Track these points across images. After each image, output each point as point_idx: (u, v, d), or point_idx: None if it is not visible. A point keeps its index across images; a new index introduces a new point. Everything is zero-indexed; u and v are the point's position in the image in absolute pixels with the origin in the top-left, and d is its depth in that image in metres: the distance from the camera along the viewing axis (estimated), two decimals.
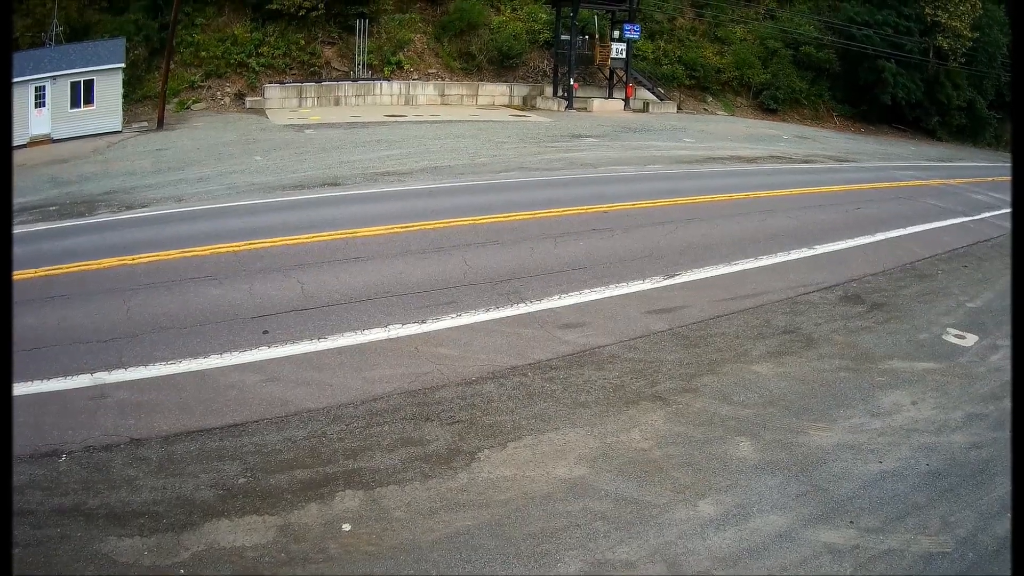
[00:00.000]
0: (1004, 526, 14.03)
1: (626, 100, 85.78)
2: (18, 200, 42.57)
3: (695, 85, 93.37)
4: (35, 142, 65.28)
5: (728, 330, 22.09)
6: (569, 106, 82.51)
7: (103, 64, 67.51)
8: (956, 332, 23.96)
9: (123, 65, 68.76)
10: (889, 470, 15.72)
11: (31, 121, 65.82)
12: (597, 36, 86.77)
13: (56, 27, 75.27)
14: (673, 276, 25.46)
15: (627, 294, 23.66)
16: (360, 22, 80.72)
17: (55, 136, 66.02)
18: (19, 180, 50.39)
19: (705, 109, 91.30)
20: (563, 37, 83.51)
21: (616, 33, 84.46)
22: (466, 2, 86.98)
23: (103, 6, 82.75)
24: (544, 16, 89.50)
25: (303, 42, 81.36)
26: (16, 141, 64.13)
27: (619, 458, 15.06)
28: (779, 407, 17.72)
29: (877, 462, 15.96)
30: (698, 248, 29.14)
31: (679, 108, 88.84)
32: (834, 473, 15.40)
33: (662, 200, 36.06)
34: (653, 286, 24.37)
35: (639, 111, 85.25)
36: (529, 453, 15.02)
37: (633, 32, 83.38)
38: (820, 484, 14.97)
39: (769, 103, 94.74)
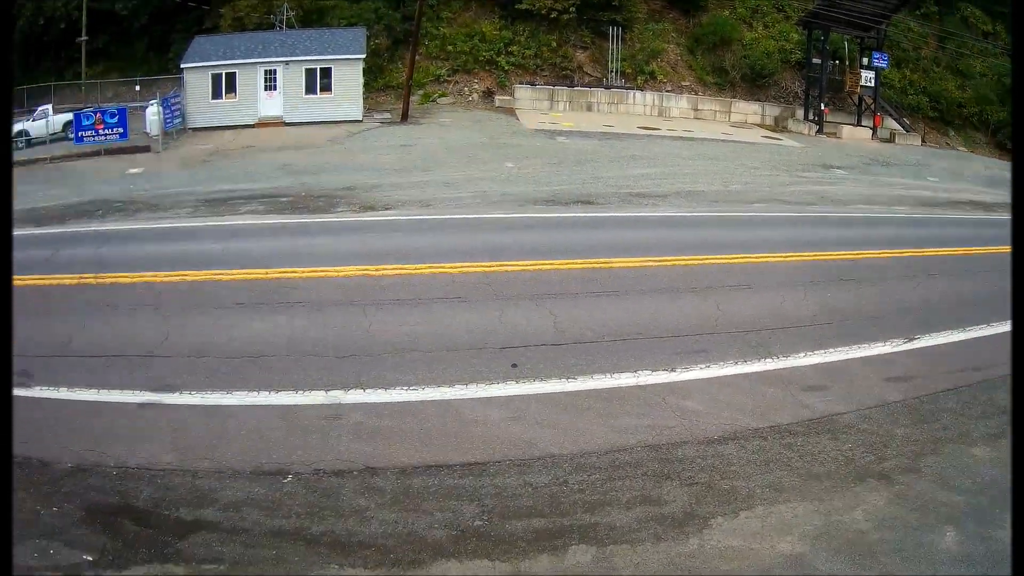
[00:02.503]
0: None
1: (874, 129, 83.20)
2: (245, 186, 43.00)
3: (938, 118, 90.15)
4: (264, 123, 66.57)
5: (954, 406, 20.72)
6: (819, 131, 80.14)
7: (342, 53, 68.32)
8: None
9: (364, 56, 69.40)
10: None
11: (260, 102, 67.51)
12: (847, 62, 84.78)
13: (287, 11, 76.10)
14: (913, 340, 23.73)
15: (867, 357, 21.78)
16: (613, 29, 79.72)
17: (288, 120, 67.12)
18: (248, 163, 50.96)
19: (947, 143, 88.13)
20: (814, 60, 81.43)
21: (865, 60, 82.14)
22: (719, 15, 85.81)
23: None
24: (796, 36, 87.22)
25: (554, 44, 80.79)
26: (246, 121, 66.59)
27: (839, 538, 13.84)
28: (988, 496, 16.86)
29: None
30: (949, 304, 27.16)
31: (923, 141, 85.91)
32: None
33: (909, 250, 34.02)
34: (892, 349, 22.52)
35: (885, 140, 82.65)
36: (758, 524, 13.92)
37: (881, 60, 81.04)
38: None
39: (1007, 142, 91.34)
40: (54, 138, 63.53)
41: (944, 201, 51.31)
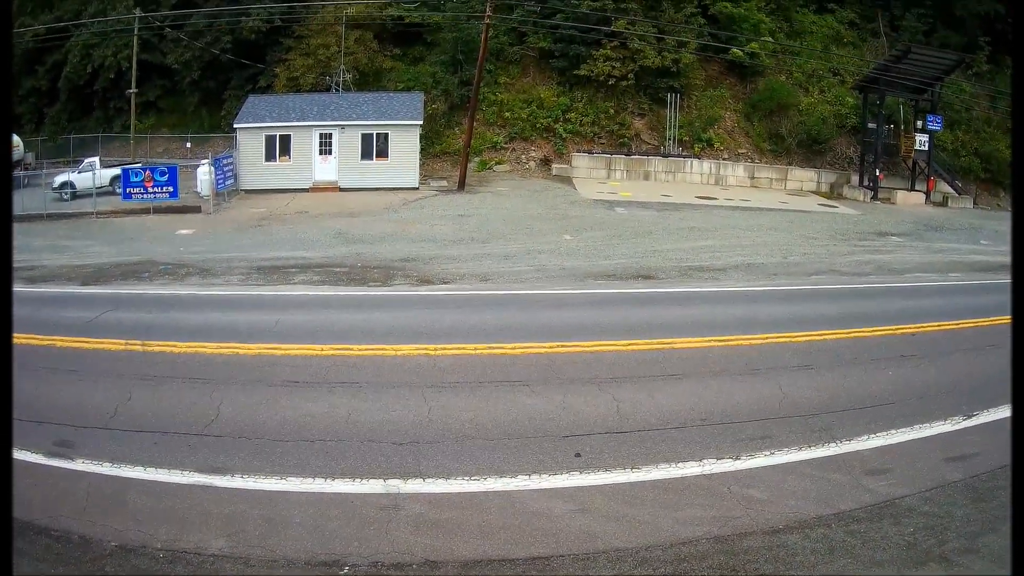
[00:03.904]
0: None
1: (927, 193, 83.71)
2: (299, 254, 43.22)
3: (989, 179, 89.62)
4: (319, 187, 66.93)
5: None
6: (874, 197, 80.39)
7: (399, 119, 68.55)
8: None
9: (421, 122, 69.48)
10: None
11: (315, 166, 67.92)
12: (902, 126, 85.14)
13: (343, 73, 76.50)
14: (972, 416, 23.13)
15: (928, 437, 21.61)
16: (671, 96, 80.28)
17: (342, 185, 67.55)
18: (302, 230, 51.28)
19: (998, 204, 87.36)
20: (870, 125, 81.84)
21: (919, 123, 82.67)
22: (776, 81, 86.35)
23: (395, 54, 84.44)
24: (851, 100, 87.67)
25: (612, 111, 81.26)
26: (299, 185, 66.83)
27: None
28: None
29: None
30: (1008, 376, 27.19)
31: (975, 203, 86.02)
32: None
33: (965, 321, 33.40)
34: (952, 428, 22.28)
35: (939, 204, 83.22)
36: None
37: (935, 124, 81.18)
38: None
39: None
40: (100, 192, 63.37)
41: (997, 265, 50.69)
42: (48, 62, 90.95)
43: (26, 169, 74.91)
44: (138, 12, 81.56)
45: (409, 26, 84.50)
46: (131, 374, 22.82)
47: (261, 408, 20.53)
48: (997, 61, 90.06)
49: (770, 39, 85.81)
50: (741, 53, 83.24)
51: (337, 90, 76.02)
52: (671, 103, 79.96)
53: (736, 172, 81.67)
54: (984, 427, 22.10)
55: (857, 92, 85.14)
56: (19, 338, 25.01)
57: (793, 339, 28.69)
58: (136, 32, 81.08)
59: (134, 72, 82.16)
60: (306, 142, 67.40)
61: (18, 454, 17.23)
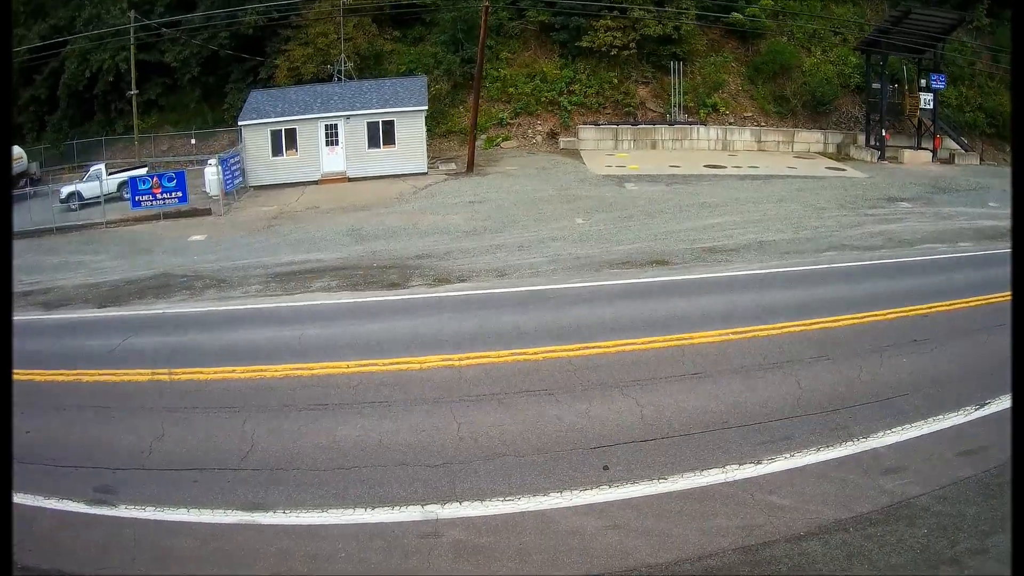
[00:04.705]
0: None
1: (934, 151, 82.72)
2: (314, 256, 43.00)
3: (995, 134, 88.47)
4: (328, 179, 66.61)
5: None
6: (881, 157, 79.89)
7: (403, 105, 68.15)
8: None
9: (426, 107, 69.21)
10: None
11: (323, 158, 67.51)
12: (906, 85, 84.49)
13: (344, 62, 76.25)
14: (984, 405, 23.01)
15: (941, 430, 21.74)
16: (674, 63, 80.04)
17: (351, 175, 67.25)
18: (314, 228, 50.93)
19: (1004, 159, 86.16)
20: (874, 85, 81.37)
21: (923, 82, 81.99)
22: (778, 43, 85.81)
23: (395, 36, 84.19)
24: (854, 60, 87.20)
25: (616, 81, 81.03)
26: (308, 177, 66.62)
27: None
28: None
29: None
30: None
31: (981, 159, 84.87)
32: None
33: (975, 298, 32.82)
34: (964, 419, 22.29)
35: (945, 161, 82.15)
36: None
37: (939, 82, 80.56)
38: None
39: None
40: (109, 199, 62.62)
41: (1005, 231, 49.64)
42: (45, 70, 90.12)
43: (32, 182, 74.49)
44: (133, 15, 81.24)
45: (407, 8, 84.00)
46: (161, 407, 22.76)
47: (294, 436, 20.60)
48: (997, 14, 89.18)
49: (770, 0, 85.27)
50: (741, 17, 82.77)
51: (339, 79, 75.84)
52: (674, 70, 79.75)
53: (743, 137, 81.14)
54: (994, 417, 22.25)
55: (859, 53, 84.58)
56: (45, 374, 25.40)
57: (808, 327, 28.63)
58: (132, 35, 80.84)
59: (133, 73, 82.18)
60: (312, 134, 67.17)
61: (60, 503, 17.66)
